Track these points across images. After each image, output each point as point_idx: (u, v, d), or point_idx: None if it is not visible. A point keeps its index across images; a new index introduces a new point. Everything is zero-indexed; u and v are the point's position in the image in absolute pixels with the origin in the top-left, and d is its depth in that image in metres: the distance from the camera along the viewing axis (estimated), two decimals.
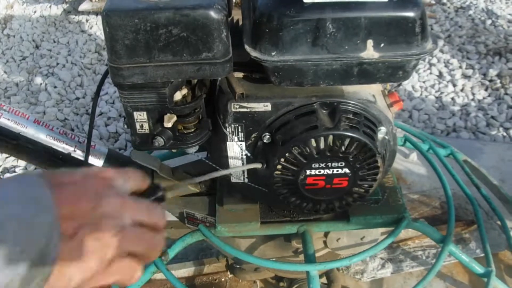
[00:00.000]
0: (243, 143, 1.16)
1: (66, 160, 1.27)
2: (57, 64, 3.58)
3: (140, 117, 1.09)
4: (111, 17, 0.93)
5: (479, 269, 1.48)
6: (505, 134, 2.78)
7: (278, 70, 1.01)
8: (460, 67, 3.31)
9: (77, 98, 3.24)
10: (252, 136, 1.15)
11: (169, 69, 0.99)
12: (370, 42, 0.99)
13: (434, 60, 3.38)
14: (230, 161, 1.21)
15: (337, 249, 1.46)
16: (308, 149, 1.08)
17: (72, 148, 1.27)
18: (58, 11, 4.23)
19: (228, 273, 1.85)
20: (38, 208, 0.62)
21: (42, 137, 1.23)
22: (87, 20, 4.09)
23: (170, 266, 1.77)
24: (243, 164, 1.21)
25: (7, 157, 2.78)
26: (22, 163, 2.74)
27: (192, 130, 1.14)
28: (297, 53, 0.99)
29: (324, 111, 1.10)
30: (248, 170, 1.21)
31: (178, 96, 1.10)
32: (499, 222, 1.85)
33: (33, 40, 3.89)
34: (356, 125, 1.08)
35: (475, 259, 1.49)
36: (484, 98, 3.07)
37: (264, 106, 1.10)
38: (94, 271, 0.67)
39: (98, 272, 0.68)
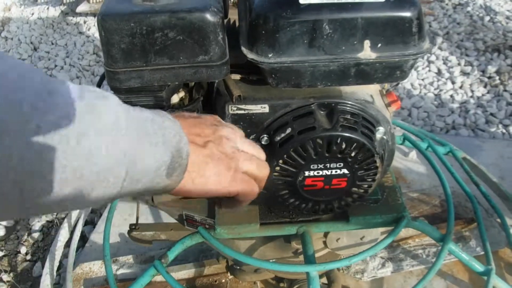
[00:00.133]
0: None
1: None
2: (55, 66, 3.58)
3: None
4: (107, 21, 0.93)
5: (479, 267, 1.48)
6: (504, 131, 2.78)
7: (275, 71, 1.01)
8: (459, 64, 3.31)
9: None
10: (250, 138, 1.14)
11: (165, 72, 0.98)
12: (367, 43, 0.99)
13: (433, 58, 3.38)
14: None
15: (337, 249, 1.46)
16: (306, 151, 1.08)
17: None
18: (55, 13, 4.23)
19: (228, 274, 1.85)
20: (165, 118, 0.78)
21: None
22: (85, 22, 4.09)
23: (170, 268, 1.77)
24: None
25: None
26: None
27: None
28: (294, 55, 0.99)
29: (322, 112, 1.10)
30: None
31: (175, 99, 1.09)
32: (499, 220, 1.85)
33: (31, 42, 3.89)
34: (354, 125, 1.07)
35: (475, 257, 1.49)
36: (483, 95, 3.07)
37: (262, 108, 1.10)
38: (224, 176, 0.84)
39: (227, 178, 0.84)
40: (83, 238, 2.21)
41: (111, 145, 0.64)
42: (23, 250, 2.30)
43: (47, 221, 2.42)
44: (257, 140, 1.13)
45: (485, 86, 3.12)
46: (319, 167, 1.11)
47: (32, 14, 4.21)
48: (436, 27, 3.69)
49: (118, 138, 0.66)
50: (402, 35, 0.99)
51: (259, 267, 1.52)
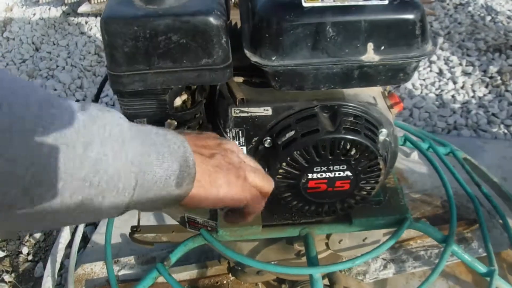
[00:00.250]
0: (244, 148, 1.16)
1: None
2: (57, 66, 3.58)
3: None
4: (110, 25, 0.93)
5: (482, 268, 1.48)
6: (506, 131, 2.78)
7: (278, 74, 1.01)
8: (460, 64, 3.30)
9: (77, 101, 3.23)
10: (253, 140, 1.14)
11: (169, 76, 0.98)
12: (370, 45, 0.99)
13: (434, 58, 3.37)
14: None
15: (339, 250, 1.46)
16: (309, 153, 1.08)
17: None
18: (57, 13, 4.23)
19: (230, 275, 1.85)
20: (168, 131, 0.77)
21: None
22: (86, 22, 4.08)
23: (171, 269, 1.76)
24: None
25: None
26: None
27: None
28: (298, 58, 0.99)
29: (325, 115, 1.09)
30: None
31: (178, 102, 1.09)
32: (501, 221, 1.85)
33: (33, 43, 3.88)
34: (357, 127, 1.07)
35: (477, 259, 1.49)
36: (484, 95, 3.06)
37: (265, 111, 1.10)
38: (235, 185, 0.83)
39: (238, 187, 0.84)
40: (85, 239, 2.21)
41: (118, 153, 0.65)
42: (24, 250, 2.30)
43: None
44: (260, 142, 1.13)
45: (486, 86, 3.12)
46: (322, 170, 1.11)
47: (34, 14, 4.21)
48: (437, 27, 3.69)
49: (125, 147, 0.66)
50: (406, 37, 0.99)
51: (262, 269, 1.53)
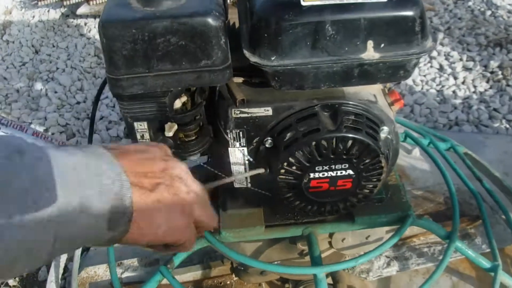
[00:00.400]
0: (245, 149, 1.16)
1: None
2: (57, 68, 3.57)
3: (141, 127, 1.08)
4: (108, 28, 0.93)
5: (486, 264, 1.48)
6: (508, 126, 2.77)
7: (278, 74, 1.00)
8: (461, 59, 3.29)
9: (78, 103, 3.23)
10: (254, 141, 1.14)
11: (168, 78, 0.98)
12: (370, 43, 0.99)
13: (435, 53, 3.36)
14: (233, 167, 1.20)
15: (342, 249, 1.46)
16: (311, 153, 1.07)
17: None
18: (56, 15, 4.22)
19: (234, 276, 1.85)
20: (103, 160, 0.67)
21: None
22: (85, 24, 4.08)
23: (175, 271, 1.75)
24: (245, 169, 1.20)
25: None
26: None
27: (193, 137, 1.14)
28: (297, 57, 0.99)
29: (325, 114, 1.09)
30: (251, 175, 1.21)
31: (177, 104, 1.09)
32: (504, 217, 1.84)
33: (33, 45, 3.88)
34: (359, 126, 1.07)
35: (481, 254, 1.48)
36: (485, 90, 3.05)
37: (265, 111, 1.09)
38: (177, 223, 0.75)
39: (180, 227, 0.76)
40: None
41: (29, 211, 0.56)
42: None
43: None
44: (261, 143, 1.13)
45: (487, 81, 3.11)
46: (324, 169, 1.11)
47: (33, 17, 4.20)
48: (437, 23, 3.67)
49: (38, 200, 0.57)
50: (405, 34, 0.99)
51: (266, 270, 1.53)
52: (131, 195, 0.67)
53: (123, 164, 0.69)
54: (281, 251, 1.48)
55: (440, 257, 1.75)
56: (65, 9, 4.28)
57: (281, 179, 1.13)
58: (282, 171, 1.11)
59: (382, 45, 0.99)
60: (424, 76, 3.19)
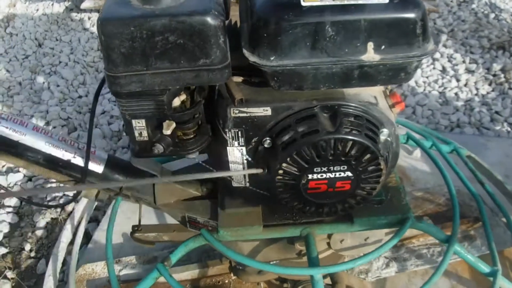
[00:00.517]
0: (244, 148, 1.15)
1: (66, 167, 1.27)
2: (60, 62, 3.58)
3: (139, 124, 1.08)
4: (106, 26, 0.92)
5: (485, 268, 1.47)
6: (509, 129, 2.76)
7: (277, 74, 1.00)
8: (464, 61, 3.29)
9: (80, 97, 3.23)
10: (253, 140, 1.13)
11: (166, 76, 0.98)
12: (370, 45, 0.98)
13: (437, 55, 3.36)
14: (231, 166, 1.19)
15: (341, 250, 1.45)
16: (309, 154, 1.07)
17: (71, 155, 1.26)
18: (60, 9, 4.22)
19: (232, 275, 1.85)
20: None
21: (41, 144, 1.23)
22: (89, 18, 4.08)
23: (173, 269, 1.76)
24: (244, 169, 1.20)
25: None
26: None
27: (192, 136, 1.14)
28: (297, 57, 0.98)
29: (325, 115, 1.08)
30: (249, 174, 1.20)
31: (176, 102, 1.09)
32: (504, 219, 1.84)
33: (36, 39, 3.88)
34: (358, 128, 1.06)
35: (481, 256, 1.48)
36: (488, 93, 3.05)
37: (264, 111, 1.09)
38: None
39: None
40: (87, 235, 2.21)
41: None
42: (27, 247, 2.30)
43: (52, 218, 2.41)
44: (260, 143, 1.13)
45: (490, 84, 3.10)
46: (322, 170, 1.10)
47: (37, 10, 4.21)
48: (440, 24, 3.67)
49: None
50: (406, 36, 0.98)
51: (263, 270, 1.52)
52: None
53: None
54: (279, 250, 1.48)
55: (439, 259, 1.75)
56: (69, 3, 4.28)
57: (279, 180, 1.12)
58: (280, 171, 1.10)
59: (383, 47, 0.98)
60: (427, 77, 3.18)
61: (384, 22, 0.96)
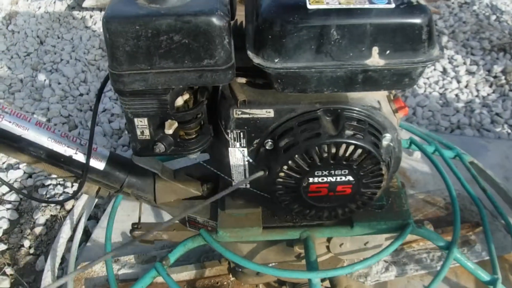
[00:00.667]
0: (245, 149, 1.15)
1: (67, 163, 1.27)
2: (61, 60, 3.57)
3: (141, 123, 1.07)
4: (112, 24, 0.92)
5: (485, 276, 1.47)
6: (509, 131, 2.76)
7: (281, 77, 1.00)
8: (464, 63, 3.28)
9: (81, 94, 3.23)
10: (255, 142, 1.13)
11: (170, 76, 0.97)
12: (375, 49, 0.98)
13: (442, 57, 3.35)
14: (232, 167, 1.19)
15: (340, 254, 1.45)
16: (311, 157, 1.06)
17: (73, 151, 1.26)
18: (62, 7, 4.21)
19: (230, 276, 1.84)
20: None
21: (43, 139, 1.23)
22: (91, 16, 4.07)
23: (171, 269, 1.75)
24: (245, 170, 1.20)
25: None
26: None
27: (194, 136, 1.13)
28: (301, 60, 0.98)
29: (327, 118, 1.08)
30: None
31: (179, 101, 1.08)
32: (503, 221, 1.84)
33: (38, 36, 3.87)
34: (360, 132, 1.06)
35: (481, 262, 1.48)
36: (488, 94, 3.04)
37: (267, 113, 1.09)
38: None
39: None
40: (86, 233, 2.21)
41: None
42: (26, 243, 2.30)
43: (51, 215, 2.41)
44: (262, 145, 1.12)
45: (490, 86, 3.10)
46: (323, 174, 1.10)
47: (39, 8, 4.20)
48: (442, 26, 3.66)
49: None
50: (412, 42, 0.98)
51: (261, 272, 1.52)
52: None
53: None
54: (278, 253, 1.48)
55: (439, 264, 1.75)
56: (71, 1, 4.27)
57: (280, 182, 1.12)
58: (281, 174, 1.10)
59: (388, 51, 0.98)
60: (427, 78, 3.18)
61: (389, 27, 0.96)
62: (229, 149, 1.16)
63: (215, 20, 0.93)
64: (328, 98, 1.09)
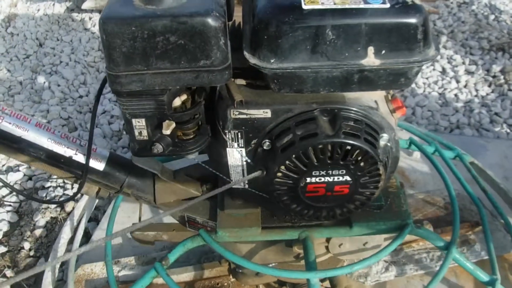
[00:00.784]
0: (243, 150, 1.15)
1: (67, 164, 1.27)
2: (61, 62, 3.57)
3: (139, 124, 1.08)
4: (108, 25, 0.93)
5: (484, 277, 1.47)
6: (508, 130, 2.76)
7: (277, 77, 1.00)
8: (463, 63, 3.29)
9: (81, 96, 3.23)
10: (252, 142, 1.14)
11: (167, 76, 0.98)
12: (371, 49, 0.98)
13: (437, 56, 3.35)
14: (230, 167, 1.20)
15: (339, 254, 1.45)
16: (308, 157, 1.07)
17: (73, 152, 1.26)
18: (61, 9, 4.22)
19: (231, 277, 1.84)
20: None
21: (43, 140, 1.23)
22: (90, 18, 4.08)
23: (171, 270, 1.76)
24: (243, 170, 1.20)
25: None
26: None
27: (191, 136, 1.14)
28: (297, 60, 0.98)
29: (324, 118, 1.08)
30: None
31: (177, 102, 1.09)
32: (502, 221, 1.84)
33: (37, 38, 3.88)
34: (357, 132, 1.06)
35: (480, 261, 1.48)
36: (487, 94, 3.05)
37: (264, 113, 1.09)
38: None
39: None
40: (87, 235, 2.21)
41: None
42: (26, 246, 2.30)
43: (51, 217, 2.41)
44: (259, 145, 1.13)
45: (489, 85, 3.10)
46: (321, 174, 1.10)
47: (38, 10, 4.20)
48: (440, 26, 3.67)
49: None
50: (407, 41, 0.98)
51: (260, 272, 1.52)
52: None
53: None
54: (277, 253, 1.48)
55: (439, 263, 1.75)
56: (70, 3, 4.27)
57: (277, 182, 1.12)
58: (279, 174, 1.10)
59: (383, 51, 0.98)
60: (427, 78, 3.18)
61: (385, 27, 0.96)
62: (227, 149, 1.16)
63: (210, 21, 0.93)
64: (325, 98, 1.09)
